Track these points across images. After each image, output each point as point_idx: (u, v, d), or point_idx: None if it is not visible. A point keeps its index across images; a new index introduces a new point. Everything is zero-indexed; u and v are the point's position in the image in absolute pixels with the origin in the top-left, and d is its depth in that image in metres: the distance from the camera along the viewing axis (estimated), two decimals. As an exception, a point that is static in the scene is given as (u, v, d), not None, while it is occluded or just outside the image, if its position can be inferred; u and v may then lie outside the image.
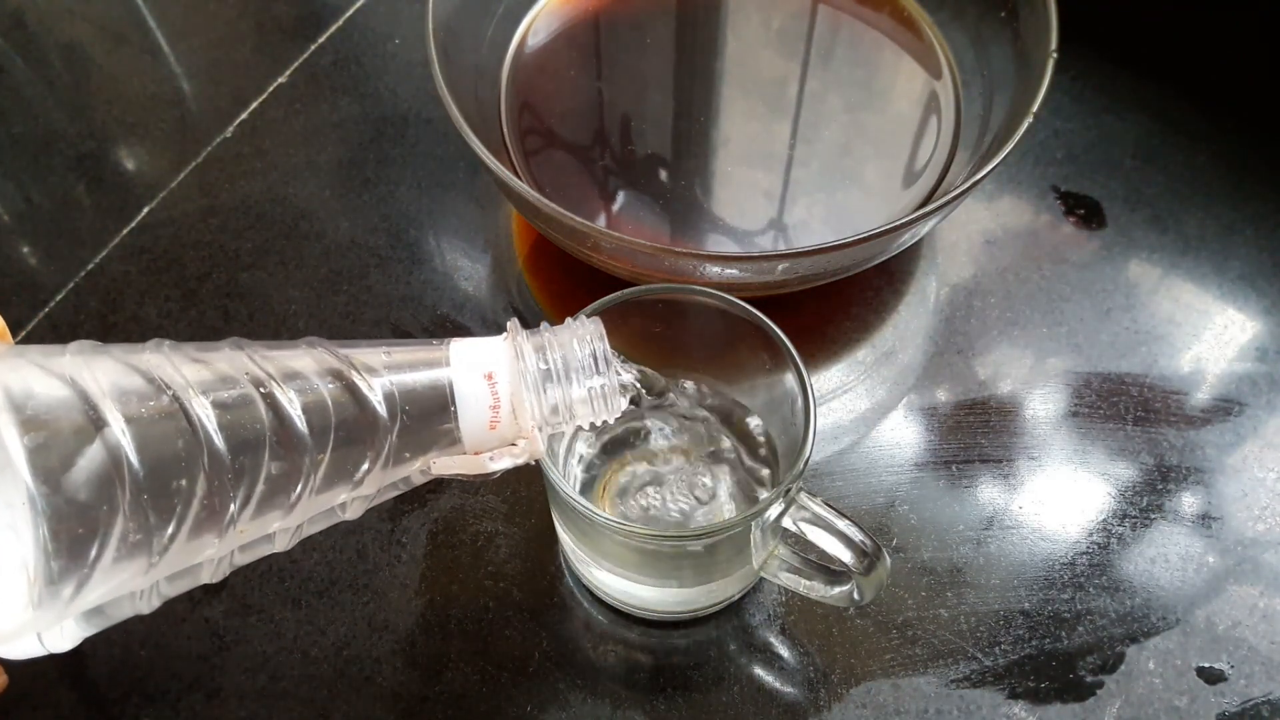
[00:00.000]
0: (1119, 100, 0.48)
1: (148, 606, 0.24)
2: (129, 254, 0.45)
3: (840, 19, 0.47)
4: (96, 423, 0.21)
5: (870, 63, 0.47)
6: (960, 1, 0.45)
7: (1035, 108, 0.37)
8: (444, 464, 0.25)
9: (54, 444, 0.21)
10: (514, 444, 0.25)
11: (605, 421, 0.27)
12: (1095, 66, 0.48)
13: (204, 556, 0.23)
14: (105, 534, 0.21)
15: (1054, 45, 0.38)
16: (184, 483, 0.22)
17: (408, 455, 0.24)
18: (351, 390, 0.23)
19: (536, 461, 0.27)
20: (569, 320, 0.27)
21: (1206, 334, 0.42)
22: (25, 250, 0.45)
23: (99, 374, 0.22)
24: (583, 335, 0.26)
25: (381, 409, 0.24)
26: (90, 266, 0.44)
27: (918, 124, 0.44)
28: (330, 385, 0.23)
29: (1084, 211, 0.45)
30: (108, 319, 0.43)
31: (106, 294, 0.43)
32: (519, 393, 0.25)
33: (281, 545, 0.25)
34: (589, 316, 0.27)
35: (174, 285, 0.44)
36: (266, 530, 0.24)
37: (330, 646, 0.35)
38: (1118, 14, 0.48)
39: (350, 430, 0.23)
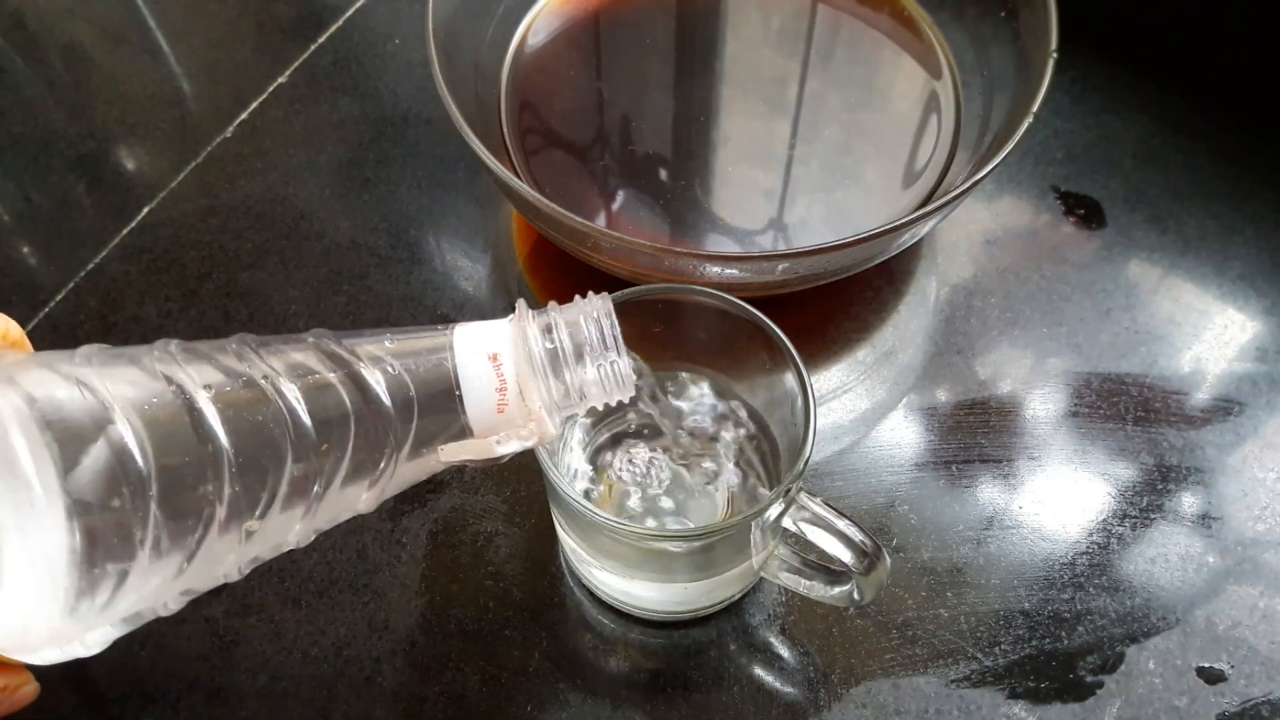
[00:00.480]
0: (1119, 100, 0.48)
1: (176, 605, 0.24)
2: (129, 254, 0.45)
3: (840, 19, 0.47)
4: (125, 429, 0.21)
5: (870, 63, 0.47)
6: (960, 1, 0.45)
7: (1035, 108, 0.37)
8: (452, 450, 0.24)
9: (85, 452, 0.21)
10: (524, 427, 0.25)
11: (621, 402, 0.26)
12: (1095, 66, 0.48)
13: (231, 556, 0.23)
14: (138, 540, 0.21)
15: (1054, 45, 0.38)
16: (210, 486, 0.22)
17: (417, 443, 0.24)
18: (357, 382, 0.23)
19: (537, 462, 0.27)
20: (577, 298, 0.26)
21: (1206, 334, 0.42)
22: (25, 250, 0.45)
23: (121, 380, 0.22)
24: (590, 313, 0.25)
25: (387, 399, 0.23)
26: (90, 266, 0.44)
27: (918, 124, 0.44)
28: (336, 379, 0.23)
29: (1084, 211, 0.45)
30: (108, 319, 0.43)
31: (106, 294, 0.43)
32: (525, 374, 0.24)
33: (301, 541, 0.25)
34: (598, 294, 0.26)
35: (174, 285, 0.44)
36: (291, 527, 0.24)
37: (330, 646, 0.35)
38: (1118, 14, 0.48)
39: (359, 422, 0.23)
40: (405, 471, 0.25)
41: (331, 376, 0.23)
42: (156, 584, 0.22)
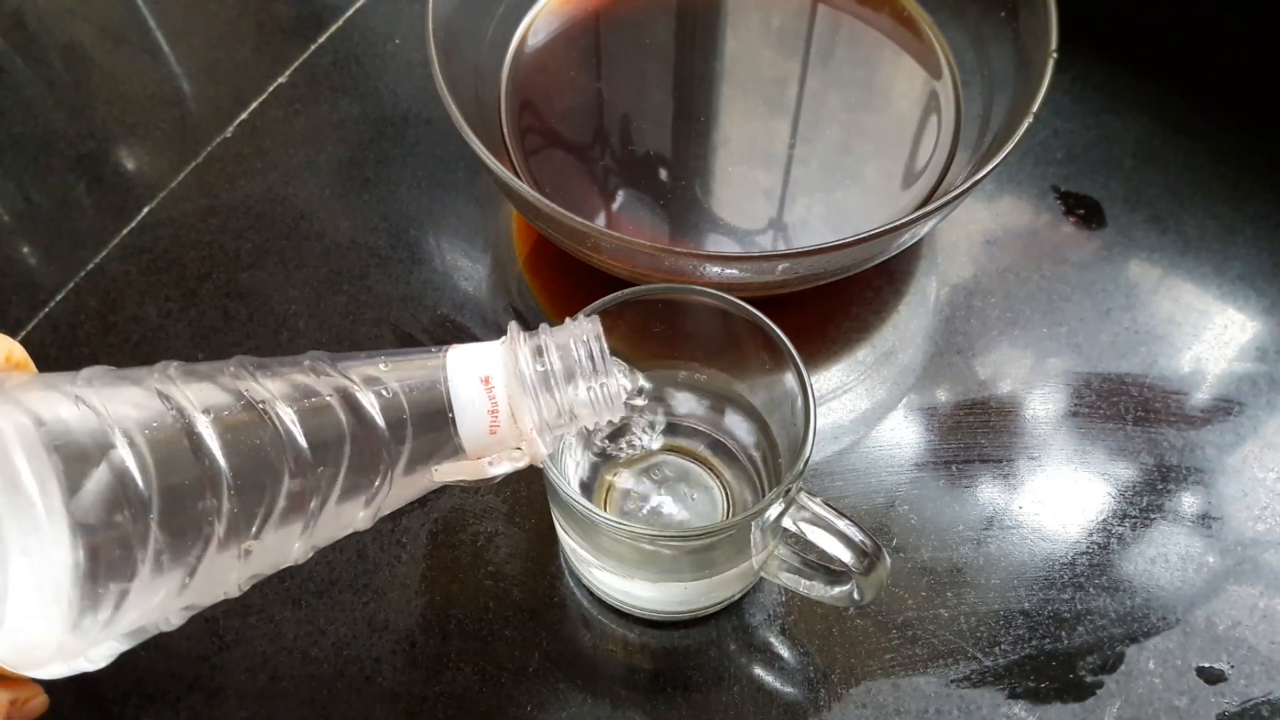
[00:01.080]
0: (1119, 100, 0.48)
1: (178, 621, 0.24)
2: (129, 254, 0.45)
3: (840, 19, 0.47)
4: (126, 450, 0.22)
5: (870, 63, 0.47)
6: (960, 1, 0.45)
7: (1035, 108, 0.37)
8: (445, 471, 0.25)
9: (88, 472, 0.21)
10: (516, 448, 0.25)
11: (610, 421, 0.26)
12: (1095, 66, 0.48)
13: (232, 574, 0.24)
14: (139, 558, 0.22)
15: (1054, 45, 0.38)
16: (210, 505, 0.22)
17: (412, 465, 0.24)
18: (352, 404, 0.24)
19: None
20: (568, 320, 0.26)
21: (1206, 334, 0.42)
22: (25, 250, 0.45)
23: (123, 401, 0.22)
24: (579, 335, 0.26)
25: (381, 421, 0.24)
26: (90, 266, 0.44)
27: (918, 124, 0.44)
28: (332, 401, 0.24)
29: (1084, 211, 0.45)
30: (108, 319, 0.43)
31: (106, 294, 0.43)
32: (517, 396, 0.25)
33: (300, 558, 0.25)
34: (588, 316, 0.26)
35: (174, 285, 0.44)
36: (290, 545, 0.24)
37: (330, 646, 0.35)
38: (1118, 14, 0.48)
39: (354, 444, 0.24)
40: (400, 491, 0.25)
41: (328, 399, 0.24)
42: (159, 600, 0.23)
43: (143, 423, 0.22)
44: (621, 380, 0.26)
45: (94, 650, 0.24)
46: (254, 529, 0.23)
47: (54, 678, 0.24)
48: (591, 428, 0.27)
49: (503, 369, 0.25)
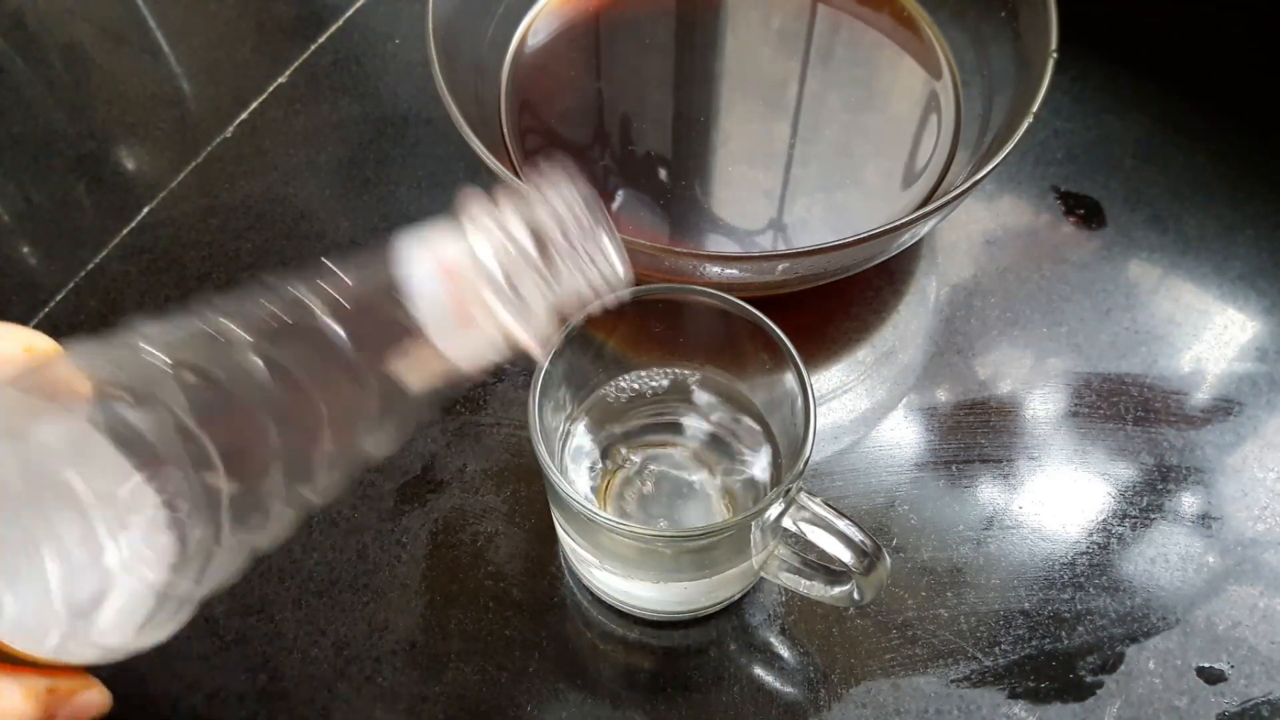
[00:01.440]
0: (1119, 100, 0.48)
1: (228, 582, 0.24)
2: (129, 254, 0.45)
3: (840, 19, 0.47)
4: (181, 425, 0.21)
5: (870, 63, 0.47)
6: (960, 1, 0.45)
7: (1035, 108, 0.37)
8: (409, 368, 0.22)
9: (156, 458, 0.21)
10: (496, 336, 0.22)
11: (611, 281, 0.22)
12: (1095, 66, 0.48)
13: (285, 519, 0.23)
14: (219, 527, 0.22)
15: (1054, 45, 0.38)
16: (269, 470, 0.22)
17: (382, 367, 0.22)
18: (310, 319, 0.23)
19: (537, 462, 0.27)
20: (543, 187, 0.22)
21: (1206, 334, 0.42)
22: (25, 250, 0.45)
23: (139, 371, 0.22)
24: (556, 204, 0.22)
25: (340, 330, 0.22)
26: (90, 266, 0.44)
27: (918, 124, 0.44)
28: (291, 324, 0.23)
29: (1084, 211, 0.45)
30: (108, 319, 0.43)
31: (106, 294, 0.43)
32: (478, 275, 0.21)
33: (322, 499, 0.24)
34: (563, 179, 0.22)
35: (174, 285, 0.44)
36: (327, 479, 0.23)
37: (330, 646, 0.35)
38: (1118, 14, 0.48)
39: (332, 364, 0.22)
40: (388, 402, 0.23)
41: (291, 321, 0.23)
42: (225, 572, 0.23)
43: (171, 389, 0.22)
44: (614, 255, 0.22)
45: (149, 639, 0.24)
46: (304, 471, 0.23)
47: (91, 664, 0.24)
48: (592, 295, 0.23)
49: (462, 247, 0.22)
